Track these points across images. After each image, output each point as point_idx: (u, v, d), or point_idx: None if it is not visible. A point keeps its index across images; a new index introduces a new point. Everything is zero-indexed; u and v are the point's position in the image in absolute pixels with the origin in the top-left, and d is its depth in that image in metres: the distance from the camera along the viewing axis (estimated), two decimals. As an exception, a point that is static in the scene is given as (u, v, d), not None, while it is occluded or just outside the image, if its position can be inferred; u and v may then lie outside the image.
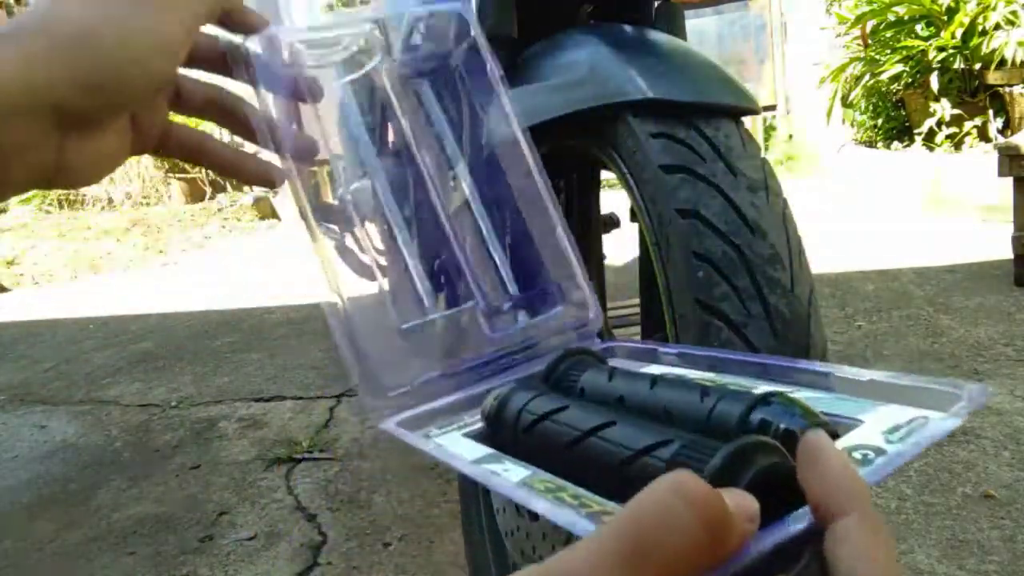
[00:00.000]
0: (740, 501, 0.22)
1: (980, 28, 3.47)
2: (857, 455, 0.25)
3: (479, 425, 0.36)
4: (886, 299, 2.32)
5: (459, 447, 0.34)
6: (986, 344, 1.89)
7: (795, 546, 0.23)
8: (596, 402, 0.35)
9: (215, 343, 2.79)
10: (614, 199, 1.33)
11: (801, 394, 0.31)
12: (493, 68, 0.44)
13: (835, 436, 0.26)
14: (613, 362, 0.42)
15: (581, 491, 0.27)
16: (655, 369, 0.41)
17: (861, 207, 3.71)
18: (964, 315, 2.10)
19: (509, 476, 0.29)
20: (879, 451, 0.25)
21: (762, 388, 0.31)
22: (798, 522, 0.22)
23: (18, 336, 3.25)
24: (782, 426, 0.27)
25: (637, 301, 1.11)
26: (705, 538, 0.20)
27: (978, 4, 3.48)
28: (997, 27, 3.40)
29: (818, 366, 0.33)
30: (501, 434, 0.34)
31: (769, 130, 5.49)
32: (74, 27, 0.32)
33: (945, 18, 3.62)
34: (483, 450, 0.33)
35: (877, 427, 0.27)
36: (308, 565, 1.35)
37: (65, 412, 2.28)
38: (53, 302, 3.83)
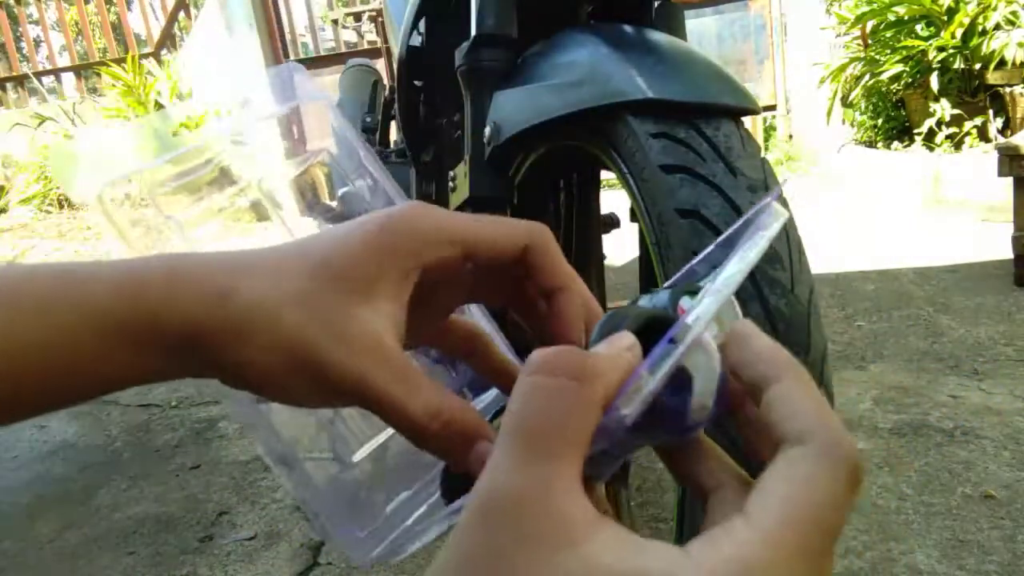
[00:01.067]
0: (611, 340, 0.24)
1: (980, 28, 3.47)
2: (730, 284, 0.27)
3: (450, 521, 0.37)
4: (886, 299, 2.32)
5: (431, 530, 0.36)
6: (986, 344, 1.89)
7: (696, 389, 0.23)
8: None
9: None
10: (614, 199, 1.33)
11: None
12: (364, 156, 0.44)
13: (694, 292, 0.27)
14: None
15: None
16: None
17: (861, 207, 3.71)
18: (964, 315, 2.10)
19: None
20: (733, 272, 0.26)
21: None
22: (678, 338, 0.22)
23: (18, 336, 3.25)
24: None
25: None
26: (575, 383, 0.21)
27: (978, 4, 3.48)
28: (997, 27, 3.40)
29: (680, 273, 0.35)
30: (460, 496, 0.35)
31: (769, 130, 5.49)
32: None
33: (945, 18, 3.62)
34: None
35: (734, 262, 0.28)
36: (308, 565, 1.35)
37: (65, 412, 2.27)
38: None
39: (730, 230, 0.31)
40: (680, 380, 0.23)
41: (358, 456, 0.42)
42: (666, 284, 0.35)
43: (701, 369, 0.24)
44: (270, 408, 0.39)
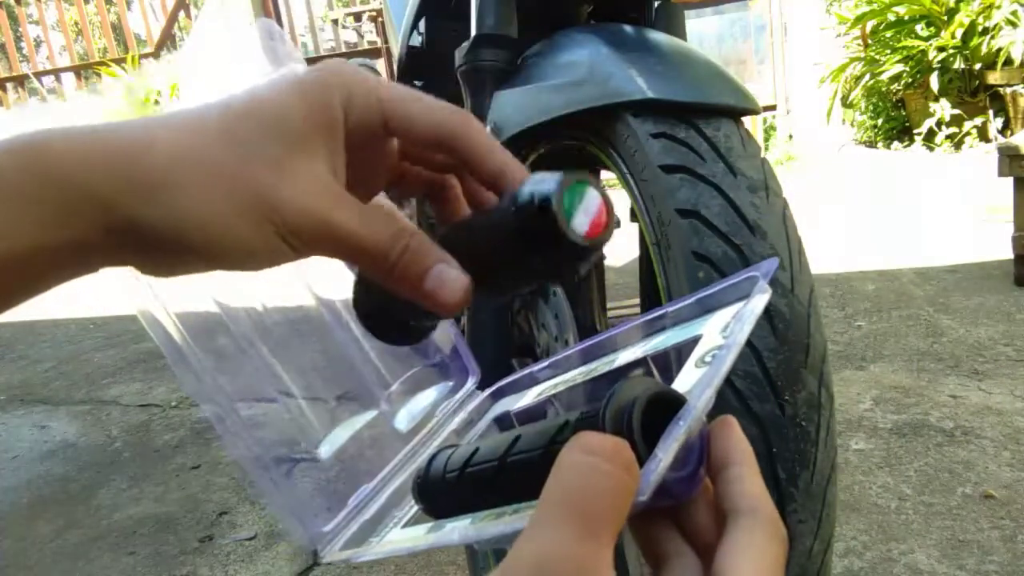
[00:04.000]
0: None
1: (980, 28, 3.47)
2: (707, 358, 0.30)
3: (413, 510, 0.38)
4: (886, 299, 2.32)
5: (404, 537, 0.36)
6: (986, 344, 1.89)
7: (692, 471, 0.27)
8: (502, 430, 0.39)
9: (214, 343, 2.79)
10: (614, 199, 1.33)
11: (653, 340, 0.36)
12: None
13: (681, 402, 0.28)
14: (502, 402, 0.46)
15: (520, 504, 0.29)
16: (539, 388, 0.44)
17: (861, 207, 3.70)
18: (964, 315, 2.10)
19: (456, 532, 0.32)
20: (720, 347, 0.29)
21: (621, 359, 0.37)
22: (679, 422, 0.25)
23: (18, 336, 3.25)
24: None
25: (637, 301, 1.10)
26: (627, 476, 0.23)
27: (981, 3, 3.48)
28: (1000, 28, 3.40)
29: (653, 313, 0.37)
30: (437, 504, 0.36)
31: (769, 130, 5.48)
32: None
33: (945, 18, 3.62)
34: (425, 527, 0.35)
35: (714, 332, 0.32)
36: (308, 565, 1.35)
37: (65, 412, 2.28)
38: (53, 302, 3.83)
39: (710, 290, 0.34)
40: (680, 456, 0.27)
41: (327, 452, 0.43)
42: (636, 320, 0.37)
43: (696, 446, 0.28)
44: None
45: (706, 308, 0.34)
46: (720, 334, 0.31)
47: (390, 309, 0.34)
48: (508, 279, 0.31)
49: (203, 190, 0.26)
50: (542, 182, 0.27)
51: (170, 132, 0.27)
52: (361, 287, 0.35)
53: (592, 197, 0.27)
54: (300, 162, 0.28)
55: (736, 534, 0.26)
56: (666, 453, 0.24)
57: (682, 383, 0.30)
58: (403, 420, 0.46)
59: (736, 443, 0.28)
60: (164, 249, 0.27)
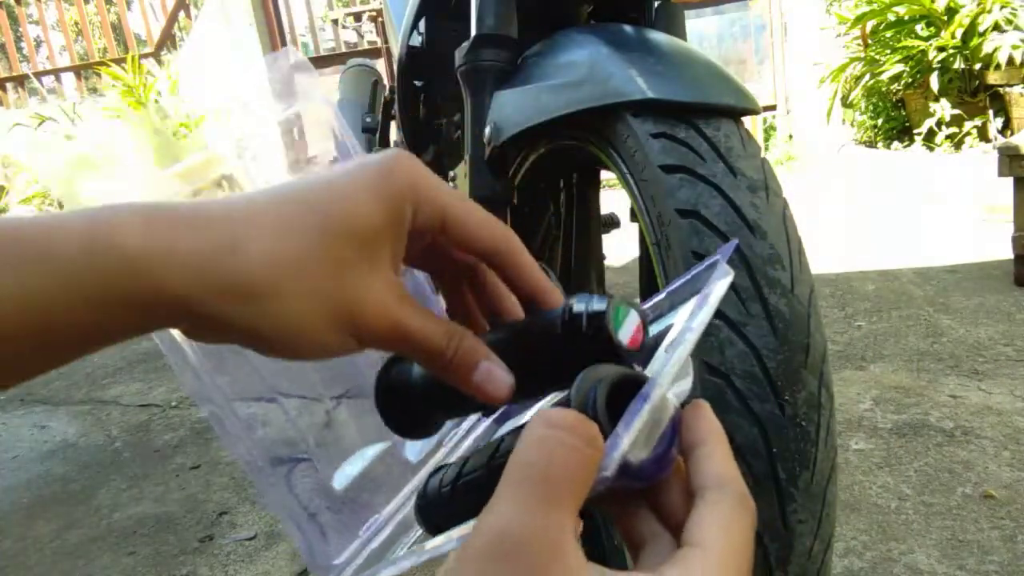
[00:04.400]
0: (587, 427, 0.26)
1: (979, 28, 3.47)
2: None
3: (419, 534, 0.40)
4: (886, 299, 2.32)
5: (407, 554, 0.37)
6: (986, 344, 1.89)
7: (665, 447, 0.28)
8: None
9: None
10: (614, 199, 1.33)
11: None
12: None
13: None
14: (507, 425, 0.47)
15: None
16: (539, 405, 0.44)
17: (861, 207, 3.70)
18: (964, 315, 2.10)
19: (449, 538, 0.32)
20: (686, 330, 0.31)
21: None
22: (641, 398, 0.26)
23: (18, 336, 3.25)
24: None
25: (637, 301, 1.10)
26: (590, 448, 0.24)
27: (977, 4, 3.48)
28: (996, 28, 3.40)
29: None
30: (436, 519, 0.37)
31: (769, 130, 5.48)
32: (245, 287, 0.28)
33: (945, 18, 3.62)
34: (426, 543, 0.36)
35: (684, 318, 0.33)
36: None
37: (65, 412, 2.28)
38: (53, 302, 3.82)
39: (678, 282, 0.36)
40: (648, 437, 0.28)
41: (341, 486, 0.43)
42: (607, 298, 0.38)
43: (667, 428, 0.28)
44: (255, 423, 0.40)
45: (680, 299, 0.36)
46: (686, 322, 0.32)
47: (416, 408, 0.37)
48: (548, 378, 0.34)
49: (300, 301, 0.29)
50: (592, 300, 0.32)
51: (255, 231, 0.29)
52: (391, 389, 0.38)
53: (633, 317, 0.32)
54: (376, 267, 0.30)
55: (703, 507, 0.27)
56: (628, 428, 0.25)
57: (651, 368, 0.31)
58: (413, 451, 0.46)
59: (707, 424, 0.29)
60: (235, 338, 0.29)
